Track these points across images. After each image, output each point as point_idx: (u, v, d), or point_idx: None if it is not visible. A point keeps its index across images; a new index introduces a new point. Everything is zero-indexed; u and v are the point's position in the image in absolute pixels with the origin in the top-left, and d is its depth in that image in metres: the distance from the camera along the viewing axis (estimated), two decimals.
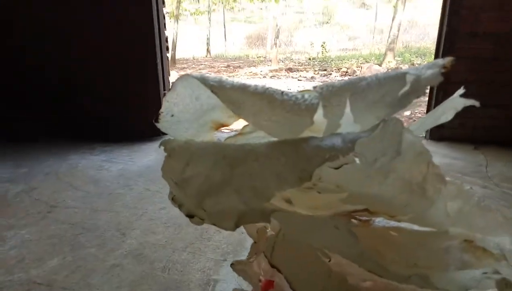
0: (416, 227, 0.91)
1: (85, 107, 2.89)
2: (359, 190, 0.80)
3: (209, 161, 0.64)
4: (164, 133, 0.72)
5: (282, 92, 0.62)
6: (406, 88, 0.59)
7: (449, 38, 2.62)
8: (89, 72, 2.83)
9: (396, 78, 0.60)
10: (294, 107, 0.60)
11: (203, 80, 0.62)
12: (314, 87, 0.65)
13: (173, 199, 0.73)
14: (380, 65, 10.23)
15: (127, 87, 2.84)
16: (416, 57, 11.79)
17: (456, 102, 0.93)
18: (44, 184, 2.13)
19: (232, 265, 0.88)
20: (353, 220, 0.89)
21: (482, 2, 2.53)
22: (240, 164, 0.60)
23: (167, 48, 3.01)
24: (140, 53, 2.76)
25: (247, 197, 0.60)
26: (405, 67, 10.01)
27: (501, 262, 0.82)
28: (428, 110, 2.84)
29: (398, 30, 11.36)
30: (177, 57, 13.06)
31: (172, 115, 0.69)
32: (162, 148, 0.74)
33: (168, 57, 3.06)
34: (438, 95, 2.71)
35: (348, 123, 0.65)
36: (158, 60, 2.79)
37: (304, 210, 0.68)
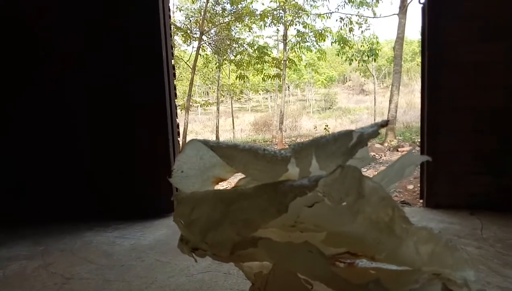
0: (394, 268, 1.04)
1: (99, 189, 3.12)
2: (335, 229, 0.96)
3: (210, 204, 0.82)
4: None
5: (264, 149, 0.83)
6: (353, 141, 0.80)
7: (431, 114, 2.90)
8: (104, 155, 3.12)
9: (346, 134, 0.81)
10: (273, 158, 0.81)
11: (206, 143, 0.84)
12: (289, 145, 0.86)
13: (181, 239, 0.90)
14: (382, 144, 10.62)
15: (141, 169, 3.09)
16: (417, 135, 12.23)
17: (414, 158, 1.13)
18: (60, 259, 2.26)
19: None
20: (338, 263, 1.03)
21: (459, 80, 2.85)
22: (233, 203, 0.79)
23: (178, 133, 3.34)
24: (154, 138, 3.07)
25: (240, 228, 0.76)
26: (406, 145, 10.37)
27: (463, 288, 0.94)
28: (421, 177, 3.02)
29: (396, 112, 12.02)
30: None
31: (182, 172, 0.90)
32: (175, 200, 0.94)
33: (179, 142, 3.37)
34: (430, 165, 2.90)
35: (316, 171, 0.85)
36: (170, 144, 3.10)
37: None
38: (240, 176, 1.00)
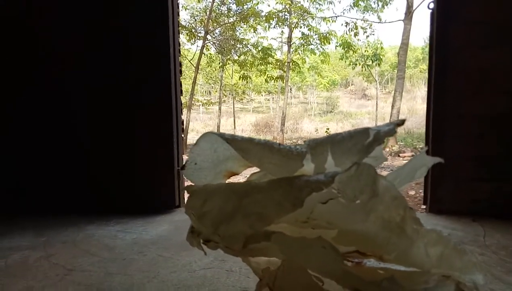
0: (403, 269, 1.03)
1: (100, 188, 3.11)
2: (347, 227, 0.96)
3: (222, 196, 0.82)
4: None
5: (279, 144, 0.83)
6: (370, 139, 0.80)
7: (437, 119, 2.90)
8: (107, 150, 3.11)
9: (362, 132, 0.81)
10: (288, 153, 0.81)
11: (221, 135, 0.84)
12: (304, 141, 0.86)
13: (192, 231, 0.90)
14: (383, 149, 10.63)
15: (145, 164, 3.09)
16: (418, 141, 12.24)
17: (425, 159, 1.13)
18: (62, 250, 2.25)
19: None
20: (346, 262, 1.03)
21: (466, 86, 2.84)
22: (247, 196, 0.78)
23: (183, 130, 3.34)
24: (155, 136, 3.07)
25: (253, 222, 0.76)
26: (408, 150, 10.37)
27: None
28: (425, 182, 3.01)
29: (398, 117, 12.02)
30: (188, 142, 13.74)
31: (195, 164, 0.90)
32: (186, 191, 0.93)
33: (183, 138, 3.37)
34: (434, 170, 2.90)
35: (331, 168, 0.85)
36: (174, 140, 3.10)
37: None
38: (252, 170, 0.99)
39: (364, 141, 0.81)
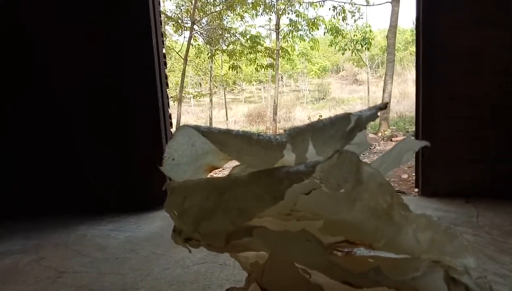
0: (393, 256, 1.01)
1: (93, 181, 3.08)
2: (333, 217, 0.94)
3: (203, 192, 0.79)
4: None
5: (258, 134, 0.80)
6: (351, 125, 0.77)
7: (426, 102, 2.88)
8: (97, 147, 3.07)
9: (343, 118, 0.78)
10: (268, 144, 0.77)
11: (197, 128, 0.80)
12: (284, 130, 0.83)
13: (174, 230, 0.87)
14: (376, 134, 10.64)
15: (134, 160, 3.05)
16: (410, 125, 12.27)
17: (411, 143, 1.10)
18: (53, 253, 2.22)
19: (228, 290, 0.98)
20: (336, 252, 1.01)
21: (454, 67, 2.82)
22: (227, 191, 0.75)
23: (171, 124, 3.29)
24: (146, 130, 3.02)
25: (234, 218, 0.73)
26: (400, 135, 10.40)
27: (464, 275, 0.93)
28: (416, 165, 3.01)
29: (389, 101, 12.02)
30: None
31: (173, 159, 0.86)
32: (166, 188, 0.90)
33: (172, 133, 3.32)
34: (425, 153, 2.89)
35: (313, 156, 0.82)
36: (163, 135, 3.05)
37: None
38: (234, 163, 0.96)
39: (346, 128, 0.78)
